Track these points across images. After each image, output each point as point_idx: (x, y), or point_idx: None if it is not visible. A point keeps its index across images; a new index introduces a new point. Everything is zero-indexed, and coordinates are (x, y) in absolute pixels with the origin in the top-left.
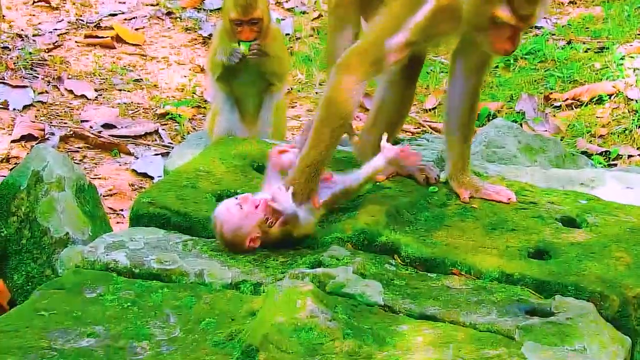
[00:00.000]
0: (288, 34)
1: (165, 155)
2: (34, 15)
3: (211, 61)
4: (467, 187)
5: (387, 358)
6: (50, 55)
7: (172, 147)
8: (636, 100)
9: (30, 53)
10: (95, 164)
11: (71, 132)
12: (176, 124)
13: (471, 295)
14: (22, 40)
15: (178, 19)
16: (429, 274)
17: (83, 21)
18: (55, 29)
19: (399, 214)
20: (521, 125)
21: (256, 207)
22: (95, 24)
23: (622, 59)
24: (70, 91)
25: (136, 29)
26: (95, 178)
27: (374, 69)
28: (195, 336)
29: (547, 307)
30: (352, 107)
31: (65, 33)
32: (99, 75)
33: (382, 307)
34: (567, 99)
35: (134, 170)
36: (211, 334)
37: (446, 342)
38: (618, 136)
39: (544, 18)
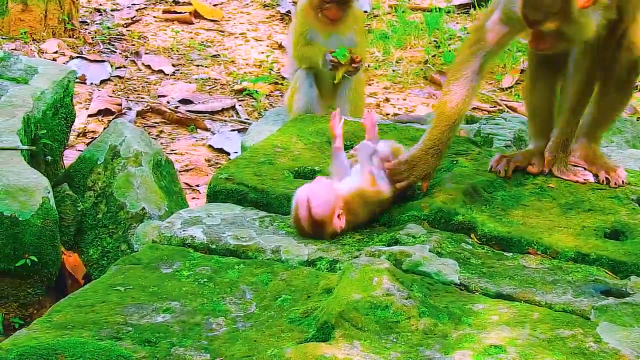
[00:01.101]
0: (366, 11)
1: (242, 131)
2: None
3: (298, 52)
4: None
5: (462, 337)
6: (128, 30)
7: (249, 123)
8: None
9: (108, 28)
10: (172, 139)
11: (148, 107)
12: (253, 100)
13: (547, 274)
14: (101, 14)
15: None
16: (505, 253)
17: None
18: (134, 4)
19: (475, 193)
20: None
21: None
22: None
23: None
24: (148, 66)
25: (214, 5)
26: (171, 153)
27: (479, 47)
28: (271, 313)
29: (623, 288)
30: (466, 81)
31: (144, 8)
32: (177, 51)
33: (458, 286)
34: None
35: (210, 146)
36: (287, 311)
37: (522, 322)
38: None
39: None
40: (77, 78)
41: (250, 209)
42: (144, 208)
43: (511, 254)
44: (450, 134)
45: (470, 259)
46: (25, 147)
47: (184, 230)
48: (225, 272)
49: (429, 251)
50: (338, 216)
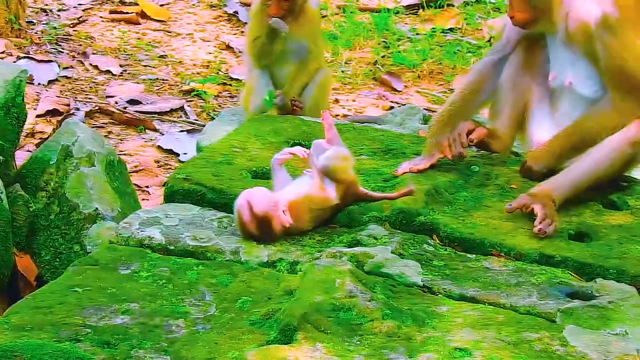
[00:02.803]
0: None
1: (191, 131)
2: None
3: (251, 48)
4: None
5: (426, 339)
6: (75, 31)
7: (198, 124)
8: None
9: (55, 28)
10: (121, 140)
11: (96, 108)
12: (202, 100)
13: (511, 276)
14: (47, 15)
15: None
16: (468, 255)
17: None
18: (80, 4)
19: (437, 194)
20: None
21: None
22: None
23: None
24: (95, 66)
25: (161, 5)
26: (120, 154)
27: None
28: (231, 315)
29: (589, 290)
30: None
31: (90, 8)
32: (124, 51)
33: (421, 288)
34: None
35: (159, 147)
36: (247, 313)
37: (486, 324)
38: None
39: None
40: None
41: (209, 210)
42: (97, 209)
43: (474, 255)
44: None
45: (432, 260)
46: None
47: (141, 231)
48: (184, 274)
49: (391, 252)
50: (283, 212)
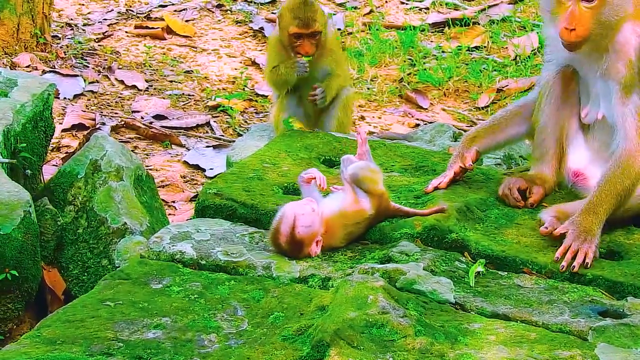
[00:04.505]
0: (339, 29)
1: (217, 147)
2: (82, 4)
3: (271, 78)
4: None
5: (460, 356)
6: (100, 45)
7: (224, 140)
8: None
9: (80, 42)
10: (147, 155)
11: (122, 123)
12: (228, 116)
13: (543, 294)
14: (72, 29)
15: (228, 12)
16: (499, 272)
17: (133, 12)
18: (105, 19)
19: (469, 211)
20: None
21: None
22: (145, 14)
23: None
24: (121, 81)
25: (186, 21)
26: (146, 169)
27: None
28: (263, 330)
29: (620, 309)
30: None
31: (115, 23)
32: (150, 66)
33: (453, 305)
34: None
35: (185, 162)
36: (280, 328)
37: (519, 342)
38: None
39: None
40: None
41: (240, 225)
42: (125, 223)
43: (506, 273)
44: None
45: (464, 277)
46: (6, 160)
47: (173, 246)
48: (216, 288)
49: (423, 269)
50: (317, 242)
